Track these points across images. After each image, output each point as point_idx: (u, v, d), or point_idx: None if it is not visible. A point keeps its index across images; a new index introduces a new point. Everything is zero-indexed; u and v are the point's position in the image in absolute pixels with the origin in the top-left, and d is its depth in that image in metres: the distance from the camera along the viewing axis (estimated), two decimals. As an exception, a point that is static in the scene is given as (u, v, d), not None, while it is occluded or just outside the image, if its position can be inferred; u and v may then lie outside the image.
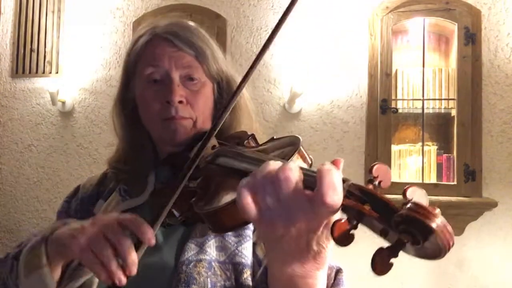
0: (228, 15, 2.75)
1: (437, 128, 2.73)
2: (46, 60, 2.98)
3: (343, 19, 2.61)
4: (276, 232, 0.46)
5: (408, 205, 0.38)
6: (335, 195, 0.42)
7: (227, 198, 0.54)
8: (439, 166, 2.56)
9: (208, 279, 0.64)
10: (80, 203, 0.84)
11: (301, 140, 0.58)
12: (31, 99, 3.00)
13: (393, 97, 2.56)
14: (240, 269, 0.66)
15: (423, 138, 2.63)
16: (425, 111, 2.63)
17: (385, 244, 0.40)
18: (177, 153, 0.76)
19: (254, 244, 0.70)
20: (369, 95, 2.56)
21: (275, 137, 0.68)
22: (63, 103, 2.89)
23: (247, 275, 0.66)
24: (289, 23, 2.91)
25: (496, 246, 2.39)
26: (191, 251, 0.67)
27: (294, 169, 0.45)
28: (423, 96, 2.61)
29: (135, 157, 0.82)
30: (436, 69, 2.63)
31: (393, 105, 2.54)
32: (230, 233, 0.69)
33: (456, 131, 2.47)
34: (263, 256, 0.69)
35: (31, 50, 3.00)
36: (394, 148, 2.62)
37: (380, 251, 0.39)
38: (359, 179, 2.52)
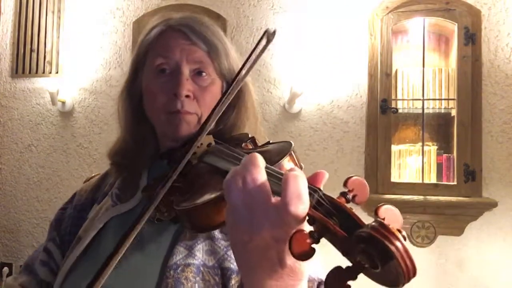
0: (228, 15, 2.75)
1: (437, 128, 2.73)
2: (46, 60, 2.98)
3: (343, 19, 2.61)
4: (239, 236, 0.43)
5: (372, 224, 0.34)
6: (300, 204, 0.38)
7: (207, 197, 0.52)
8: (439, 166, 2.56)
9: (196, 284, 0.62)
10: (73, 210, 0.84)
11: (293, 145, 0.57)
12: (31, 99, 3.01)
13: (393, 97, 2.56)
14: (229, 275, 0.63)
15: (423, 138, 2.63)
16: (425, 111, 2.63)
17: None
18: (176, 148, 0.75)
19: None
20: (369, 95, 2.56)
21: (271, 141, 0.66)
22: (63, 103, 2.89)
23: (235, 282, 0.63)
24: (289, 23, 2.89)
25: (496, 246, 2.39)
26: (179, 254, 0.65)
27: (260, 166, 0.43)
28: (423, 96, 2.61)
29: (136, 150, 0.80)
30: (436, 69, 2.63)
31: (393, 105, 2.54)
32: (220, 236, 0.68)
33: (456, 131, 2.47)
34: None
35: (31, 50, 3.00)
36: (394, 148, 2.62)
37: (336, 270, 0.35)
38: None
